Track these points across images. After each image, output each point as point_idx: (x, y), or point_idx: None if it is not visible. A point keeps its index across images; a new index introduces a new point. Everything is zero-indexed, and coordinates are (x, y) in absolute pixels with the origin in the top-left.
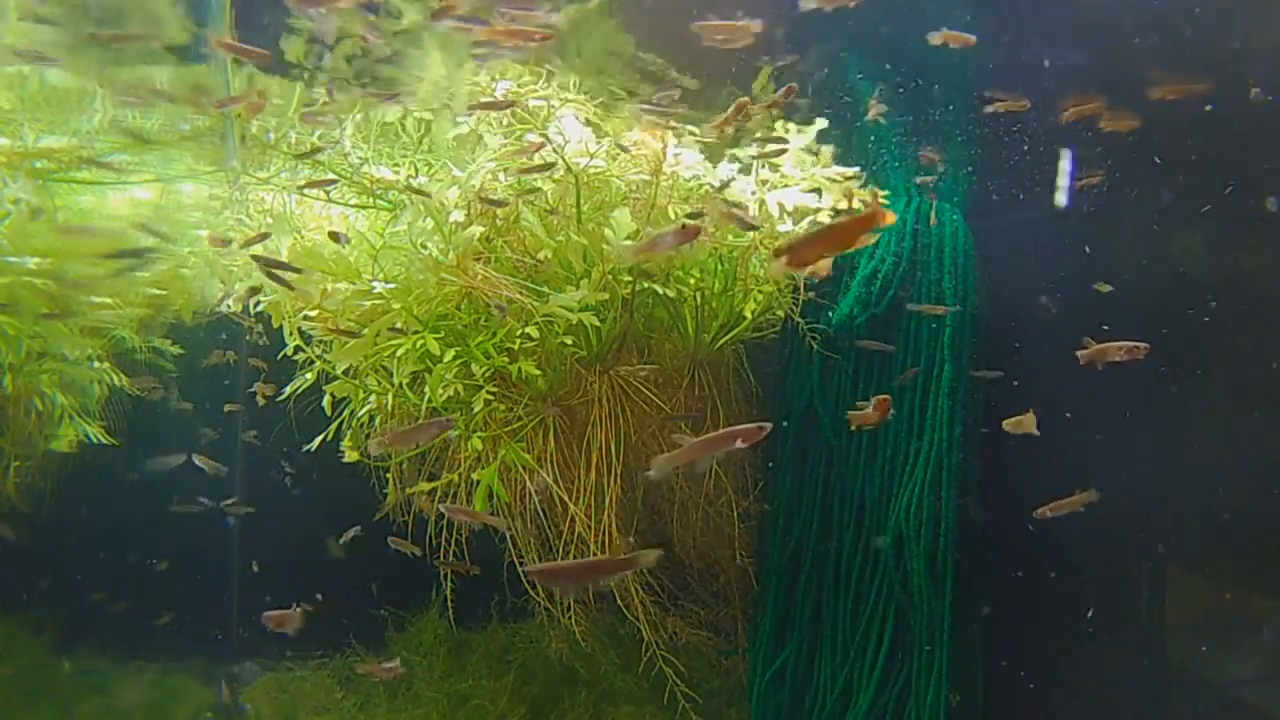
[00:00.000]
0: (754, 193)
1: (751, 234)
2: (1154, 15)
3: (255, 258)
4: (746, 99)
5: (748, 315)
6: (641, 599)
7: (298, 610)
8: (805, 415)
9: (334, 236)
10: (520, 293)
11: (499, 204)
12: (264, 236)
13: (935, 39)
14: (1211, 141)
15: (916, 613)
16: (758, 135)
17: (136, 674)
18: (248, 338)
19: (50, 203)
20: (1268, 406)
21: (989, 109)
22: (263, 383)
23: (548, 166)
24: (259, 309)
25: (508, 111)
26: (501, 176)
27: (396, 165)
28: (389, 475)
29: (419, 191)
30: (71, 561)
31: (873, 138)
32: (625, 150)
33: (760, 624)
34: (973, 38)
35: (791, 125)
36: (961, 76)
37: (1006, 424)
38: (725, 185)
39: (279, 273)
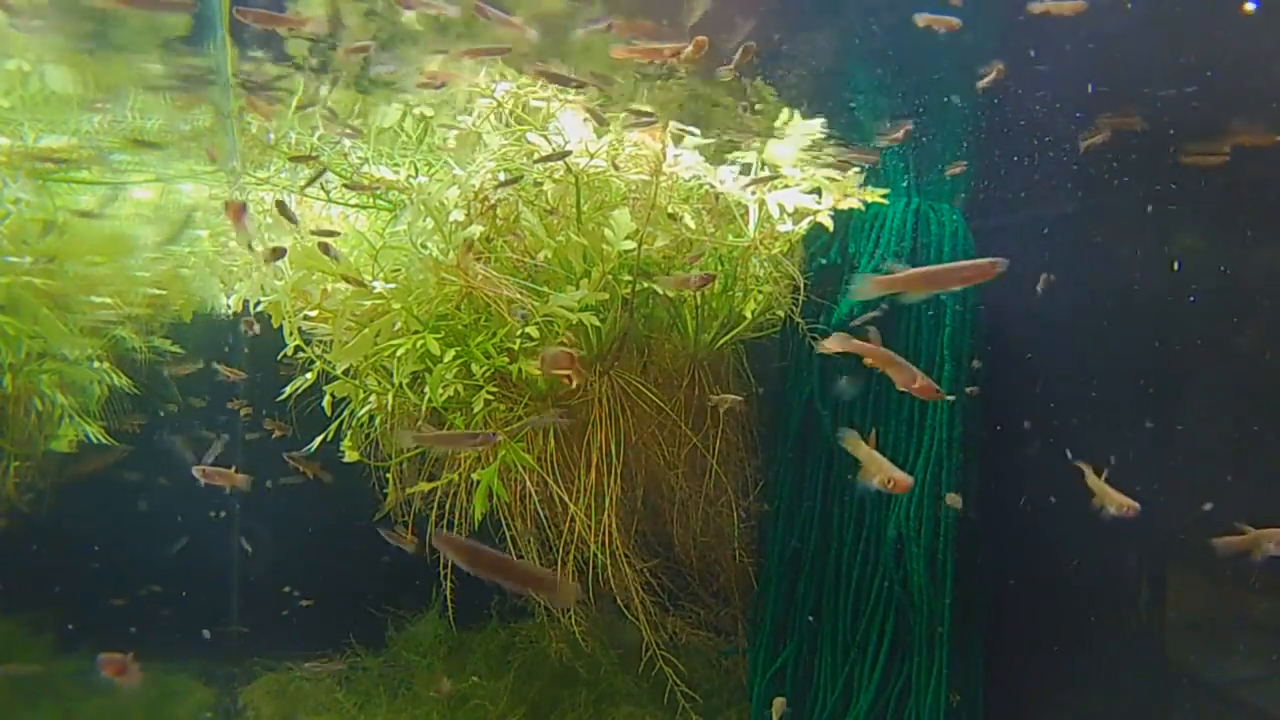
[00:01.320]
0: (754, 193)
1: (752, 234)
2: (1154, 15)
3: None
4: (704, 38)
5: (748, 315)
6: (641, 599)
7: (131, 656)
8: (805, 415)
9: (324, 249)
10: (520, 293)
11: (511, 183)
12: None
13: (920, 21)
14: (1212, 141)
15: (916, 613)
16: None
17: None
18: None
19: (50, 203)
20: (1268, 406)
21: (980, 84)
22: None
23: (562, 155)
24: (259, 308)
25: (507, 112)
26: (501, 176)
27: (396, 165)
28: (389, 475)
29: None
30: (71, 561)
31: (873, 138)
32: (617, 169)
33: (760, 624)
34: (957, 21)
35: (796, 113)
36: (962, 74)
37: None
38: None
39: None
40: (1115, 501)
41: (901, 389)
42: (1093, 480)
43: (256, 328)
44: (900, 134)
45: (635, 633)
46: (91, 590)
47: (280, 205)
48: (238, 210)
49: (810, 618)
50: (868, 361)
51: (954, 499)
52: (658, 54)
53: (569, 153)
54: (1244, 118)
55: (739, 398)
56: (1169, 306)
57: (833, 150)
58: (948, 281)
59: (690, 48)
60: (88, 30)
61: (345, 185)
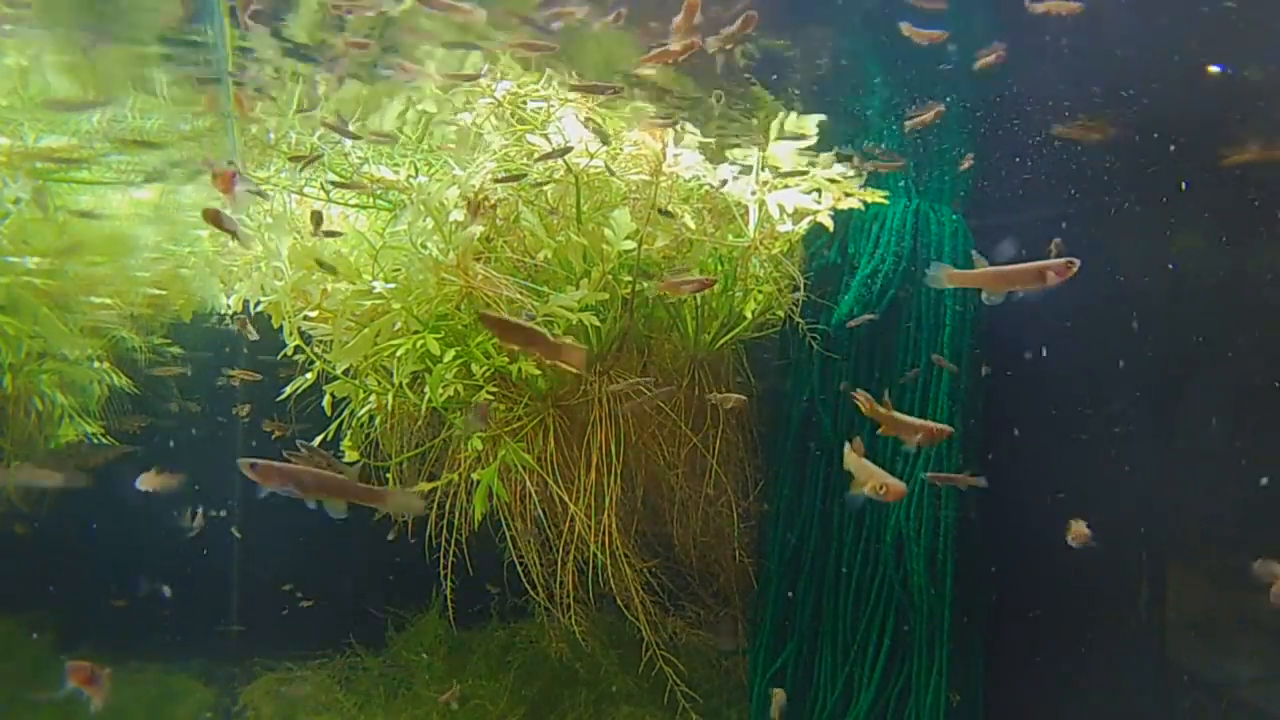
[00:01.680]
0: (754, 193)
1: (752, 234)
2: (1151, 15)
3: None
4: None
5: (748, 315)
6: (642, 599)
7: (106, 671)
8: (805, 415)
9: (316, 219)
10: (520, 293)
11: (510, 179)
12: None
13: (905, 30)
14: (1210, 141)
15: (916, 613)
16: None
17: (136, 674)
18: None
19: (50, 202)
20: (1268, 406)
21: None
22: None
23: (563, 151)
24: (259, 308)
25: (508, 112)
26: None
27: (396, 165)
28: (389, 475)
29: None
30: (71, 561)
31: (873, 137)
32: (612, 174)
33: (760, 624)
34: (941, 34)
35: (792, 115)
36: (962, 75)
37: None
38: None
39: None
40: (1074, 533)
41: (914, 446)
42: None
43: (252, 330)
44: (930, 115)
45: (635, 633)
46: (91, 590)
47: (235, 175)
48: (228, 179)
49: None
50: (882, 430)
51: (978, 480)
52: (673, 53)
53: (570, 149)
54: (1246, 117)
55: (742, 397)
56: (1169, 306)
57: (842, 154)
58: (1022, 281)
59: (681, 14)
60: (87, 27)
61: (336, 184)
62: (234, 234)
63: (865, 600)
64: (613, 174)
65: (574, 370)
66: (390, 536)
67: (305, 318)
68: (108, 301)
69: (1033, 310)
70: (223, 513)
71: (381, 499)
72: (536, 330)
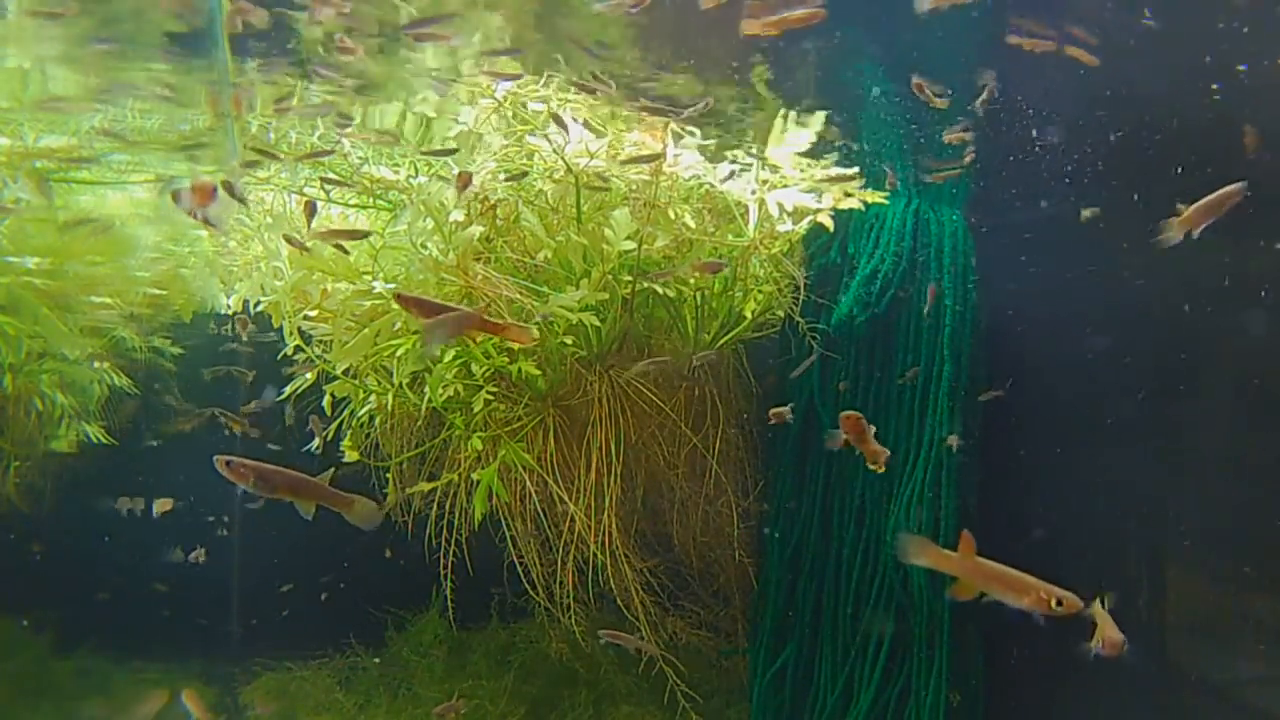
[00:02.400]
0: (754, 192)
1: (752, 233)
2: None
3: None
4: None
5: (748, 315)
6: (641, 599)
7: None
8: (805, 415)
9: (310, 208)
10: (520, 293)
11: (515, 177)
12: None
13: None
14: (1211, 141)
15: (916, 613)
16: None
17: (136, 674)
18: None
19: (50, 202)
20: (1268, 407)
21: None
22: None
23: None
24: (259, 308)
25: (508, 112)
26: (501, 176)
27: (396, 165)
28: (389, 475)
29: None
30: (71, 561)
31: (872, 137)
32: (605, 179)
33: (760, 624)
34: None
35: (792, 114)
36: (962, 74)
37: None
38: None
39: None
40: (1104, 637)
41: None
42: (1097, 609)
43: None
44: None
45: (635, 633)
46: (91, 590)
47: (227, 185)
48: (207, 191)
49: (789, 590)
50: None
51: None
52: (788, 22)
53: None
54: (1245, 118)
55: (788, 411)
56: (1170, 306)
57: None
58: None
59: None
60: (89, 30)
61: (335, 183)
62: (207, 222)
63: (865, 600)
64: (605, 179)
65: (522, 345)
66: (387, 554)
67: (305, 318)
68: (108, 301)
69: (1032, 308)
70: (222, 515)
71: (348, 505)
72: (461, 311)
